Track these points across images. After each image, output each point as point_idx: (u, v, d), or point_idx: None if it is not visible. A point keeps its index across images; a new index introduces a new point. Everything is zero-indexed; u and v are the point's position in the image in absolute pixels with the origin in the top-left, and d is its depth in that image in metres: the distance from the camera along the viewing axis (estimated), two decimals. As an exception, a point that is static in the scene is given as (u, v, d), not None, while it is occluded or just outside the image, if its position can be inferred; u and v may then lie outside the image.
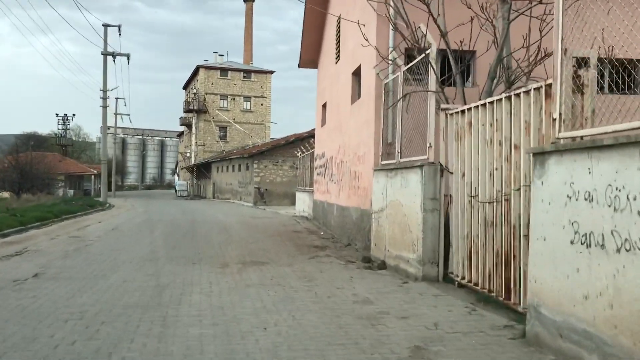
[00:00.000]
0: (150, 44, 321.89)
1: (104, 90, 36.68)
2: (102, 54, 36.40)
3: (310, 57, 19.47)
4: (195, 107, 64.80)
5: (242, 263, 9.18)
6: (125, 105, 74.13)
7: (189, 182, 65.48)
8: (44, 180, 44.82)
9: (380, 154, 10.08)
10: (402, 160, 8.73)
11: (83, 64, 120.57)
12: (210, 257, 9.93)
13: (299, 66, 20.24)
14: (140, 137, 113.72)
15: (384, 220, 9.27)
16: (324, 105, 17.89)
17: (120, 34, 37.82)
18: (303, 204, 22.92)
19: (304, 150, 23.83)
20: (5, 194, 40.53)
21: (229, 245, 11.92)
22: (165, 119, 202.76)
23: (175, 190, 63.63)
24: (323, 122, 18.21)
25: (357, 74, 12.72)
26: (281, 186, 39.40)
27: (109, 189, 61.99)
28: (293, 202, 38.34)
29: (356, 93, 12.89)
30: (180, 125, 74.74)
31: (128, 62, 38.35)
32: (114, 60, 37.40)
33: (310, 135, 29.84)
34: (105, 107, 36.82)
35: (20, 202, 29.90)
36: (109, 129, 63.55)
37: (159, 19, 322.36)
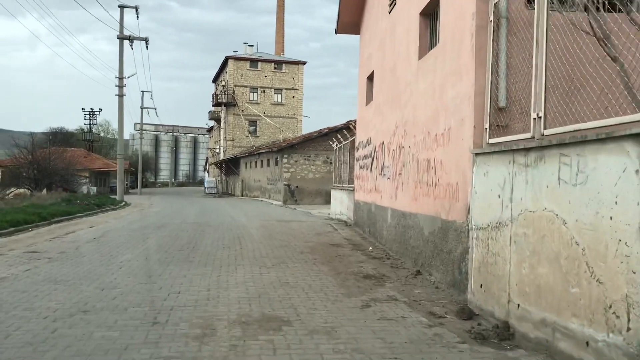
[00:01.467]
0: (184, 43, 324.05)
1: (120, 78, 33.28)
2: (117, 37, 33.07)
3: (350, 20, 15.28)
4: (224, 100, 61.31)
5: (243, 323, 5.05)
6: (152, 98, 70.81)
7: (218, 178, 62.18)
8: (62, 177, 42.14)
9: (486, 126, 5.80)
10: (548, 132, 4.43)
11: (116, 62, 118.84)
12: (194, 303, 5.83)
13: (337, 32, 16.06)
14: (171, 133, 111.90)
15: (504, 247, 4.99)
16: (370, 77, 13.65)
17: (137, 16, 34.35)
18: (340, 204, 18.72)
19: (341, 139, 19.59)
20: (19, 191, 37.90)
21: (235, 273, 7.81)
22: (198, 116, 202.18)
23: (204, 188, 60.40)
24: (368, 99, 13.97)
25: (428, 12, 8.43)
26: (313, 183, 35.33)
27: (135, 187, 59.35)
28: (326, 201, 34.13)
29: (427, 41, 8.60)
30: (210, 119, 71.62)
31: (147, 46, 34.88)
32: (131, 46, 34.01)
33: (347, 126, 25.60)
34: (121, 96, 33.42)
35: (26, 199, 26.76)
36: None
37: (193, 18, 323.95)
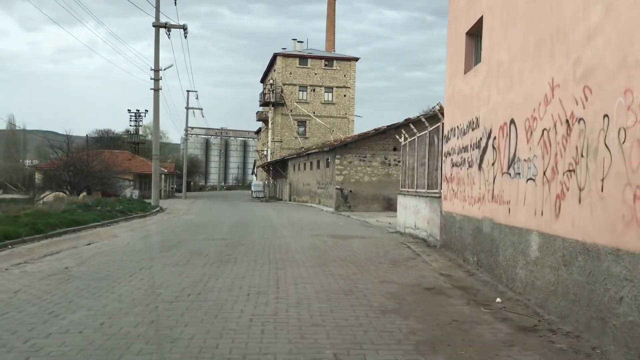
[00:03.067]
0: (235, 49, 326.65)
1: (155, 70, 30.02)
2: (153, 25, 29.80)
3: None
4: (272, 100, 57.73)
5: None
6: (197, 98, 67.91)
7: (266, 182, 58.66)
8: (100, 180, 39.62)
9: None
10: None
11: (170, 69, 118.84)
12: None
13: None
14: (220, 136, 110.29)
15: None
16: (473, 31, 9.17)
17: (175, 3, 31.12)
18: (414, 215, 14.18)
19: (416, 130, 15.01)
20: (51, 196, 35.55)
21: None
22: (248, 120, 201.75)
23: (251, 191, 56.97)
24: (468, 64, 9.47)
25: None
26: (369, 187, 30.84)
27: (181, 190, 56.79)
28: (385, 208, 29.49)
29: None
30: (257, 120, 68.30)
31: (185, 35, 31.54)
32: (167, 35, 30.71)
33: (407, 123, 21.11)
34: (157, 90, 30.17)
35: (61, 203, 23.81)
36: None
37: (244, 25, 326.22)
